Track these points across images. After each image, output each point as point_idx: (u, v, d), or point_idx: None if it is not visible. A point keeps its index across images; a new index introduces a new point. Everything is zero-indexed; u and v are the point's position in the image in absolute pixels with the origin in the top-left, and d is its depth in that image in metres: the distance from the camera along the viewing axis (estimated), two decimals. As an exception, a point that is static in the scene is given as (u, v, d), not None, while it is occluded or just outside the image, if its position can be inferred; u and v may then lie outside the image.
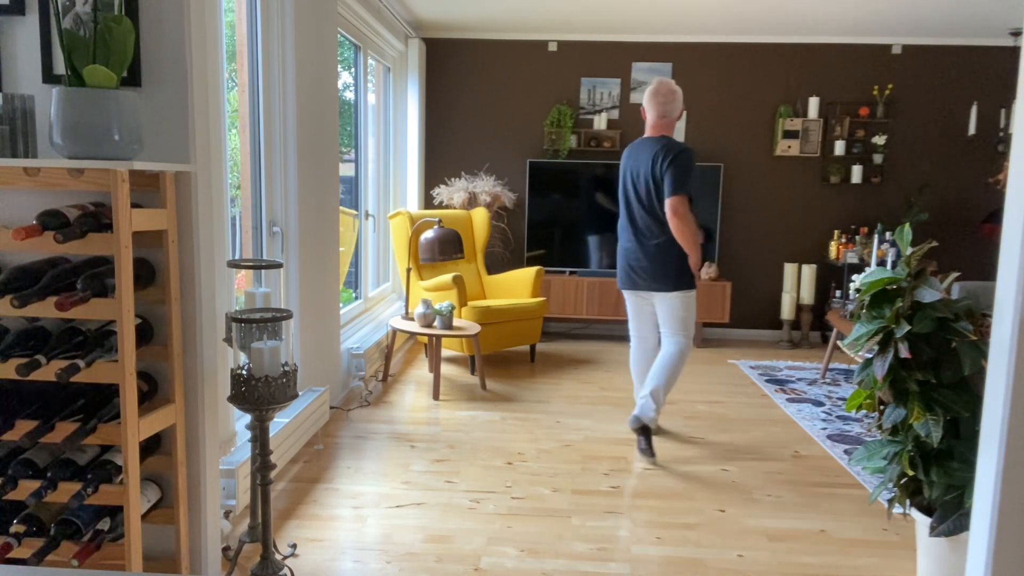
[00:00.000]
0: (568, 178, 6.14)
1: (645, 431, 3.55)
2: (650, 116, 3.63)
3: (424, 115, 6.21)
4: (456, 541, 2.67)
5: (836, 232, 6.10)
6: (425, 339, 5.61)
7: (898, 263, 2.26)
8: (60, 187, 1.83)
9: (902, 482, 2.28)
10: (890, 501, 2.32)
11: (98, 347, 1.87)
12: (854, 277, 2.38)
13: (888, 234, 5.92)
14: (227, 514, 2.63)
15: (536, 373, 5.09)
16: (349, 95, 5.25)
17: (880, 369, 2.17)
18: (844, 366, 5.48)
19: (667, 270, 3.57)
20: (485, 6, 5.29)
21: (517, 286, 5.53)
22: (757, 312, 6.39)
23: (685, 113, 3.55)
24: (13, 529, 1.94)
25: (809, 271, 6.00)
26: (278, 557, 2.51)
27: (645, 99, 3.65)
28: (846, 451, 3.69)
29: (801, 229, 6.27)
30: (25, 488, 1.87)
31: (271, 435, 2.99)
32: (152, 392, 2.07)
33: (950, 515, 2.12)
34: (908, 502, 2.29)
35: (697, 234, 3.52)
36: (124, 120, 1.82)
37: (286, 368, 2.06)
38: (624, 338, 6.36)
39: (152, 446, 2.10)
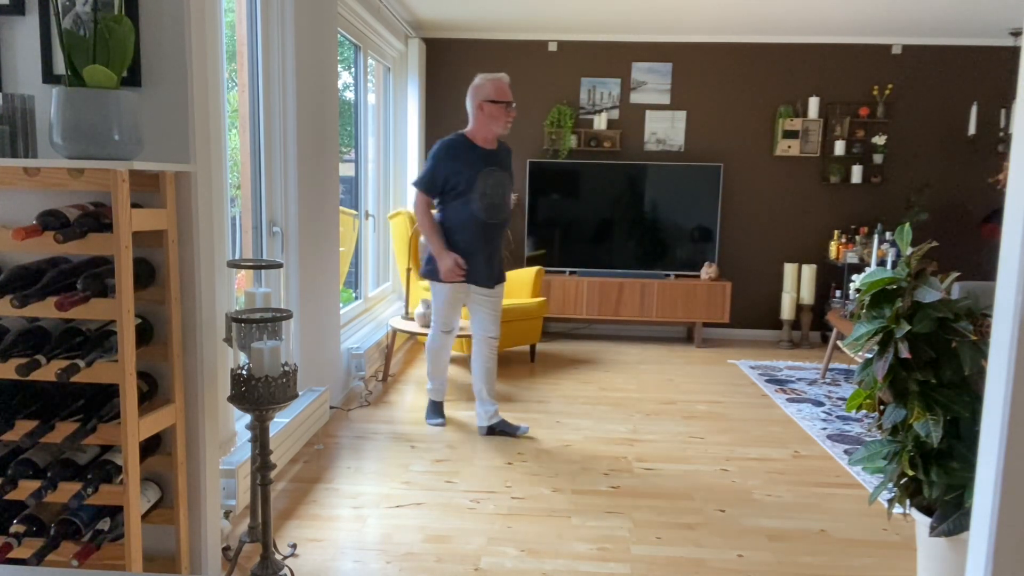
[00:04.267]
0: (568, 178, 6.14)
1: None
2: None
3: (424, 115, 6.21)
4: (456, 541, 2.67)
5: (836, 232, 6.10)
6: (425, 339, 5.61)
7: (898, 263, 2.26)
8: (60, 187, 1.83)
9: (902, 482, 2.28)
10: (890, 501, 2.32)
11: (98, 347, 1.87)
12: (854, 277, 2.38)
13: (888, 234, 5.92)
14: (227, 514, 2.63)
15: (536, 373, 5.08)
16: (349, 95, 5.25)
17: (880, 369, 2.17)
18: (844, 366, 5.48)
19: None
20: (485, 6, 5.29)
21: (517, 286, 5.53)
22: (757, 312, 6.39)
23: (484, 106, 3.68)
24: (13, 529, 1.94)
25: (809, 271, 6.00)
26: (278, 557, 2.51)
27: None
28: (846, 451, 3.69)
29: (801, 229, 6.27)
30: (25, 488, 1.87)
31: (271, 435, 2.99)
32: (152, 392, 2.07)
33: (950, 515, 2.12)
34: (908, 502, 2.28)
35: (429, 228, 3.66)
36: (124, 120, 1.82)
37: (286, 368, 2.06)
38: (624, 338, 6.37)
39: (152, 446, 2.10)
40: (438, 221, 3.69)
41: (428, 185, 3.64)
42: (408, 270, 4.96)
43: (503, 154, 3.72)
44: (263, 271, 3.35)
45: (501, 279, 3.81)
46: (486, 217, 3.63)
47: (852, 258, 5.87)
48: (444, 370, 3.97)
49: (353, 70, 5.20)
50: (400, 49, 5.83)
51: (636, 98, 6.19)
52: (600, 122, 6.19)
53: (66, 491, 1.88)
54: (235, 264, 2.33)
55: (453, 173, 3.59)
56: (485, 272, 3.70)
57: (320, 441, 3.65)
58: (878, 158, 6.05)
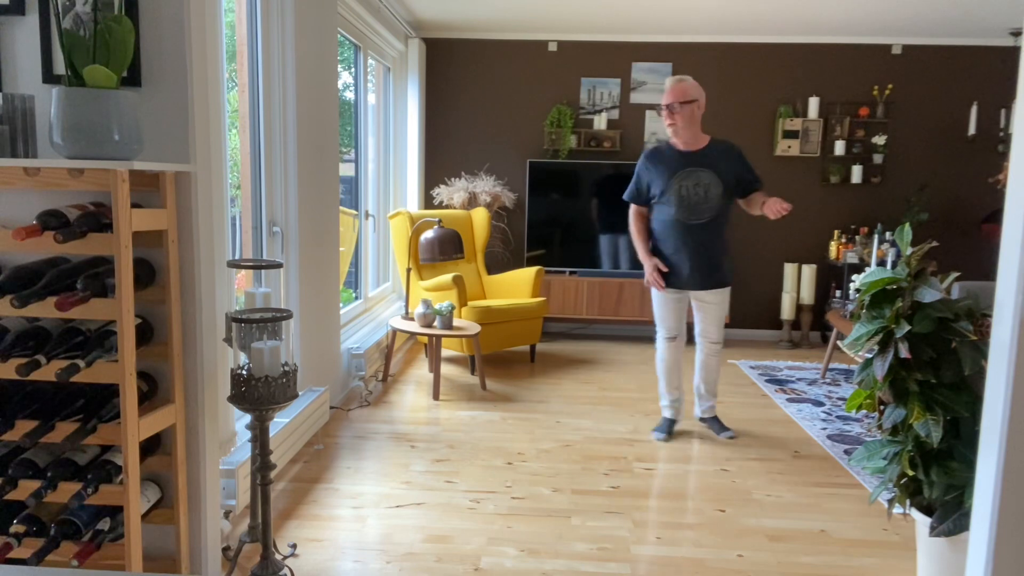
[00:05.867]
0: (568, 178, 6.14)
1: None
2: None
3: (424, 115, 6.21)
4: (456, 541, 2.67)
5: (836, 232, 6.10)
6: (425, 339, 5.61)
7: (898, 263, 2.26)
8: (60, 187, 1.83)
9: (902, 482, 2.28)
10: (890, 501, 2.32)
11: (98, 347, 1.87)
12: (854, 277, 2.38)
13: (888, 234, 5.92)
14: (227, 514, 2.63)
15: (536, 373, 5.09)
16: (349, 95, 5.25)
17: (880, 369, 2.17)
18: (844, 366, 5.48)
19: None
20: (485, 6, 5.29)
21: (517, 286, 5.53)
22: (757, 312, 6.39)
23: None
24: (13, 529, 1.94)
25: (809, 271, 6.00)
26: (278, 557, 2.51)
27: (703, 93, 3.70)
28: (846, 451, 3.69)
29: (801, 229, 6.27)
30: (25, 488, 1.87)
31: (271, 435, 2.99)
32: (152, 392, 2.07)
33: (950, 515, 2.12)
34: (908, 502, 2.29)
35: (635, 235, 3.81)
36: (124, 120, 1.82)
37: (286, 368, 2.06)
38: (624, 338, 6.36)
39: (152, 446, 2.10)
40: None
41: (633, 196, 3.80)
42: (408, 270, 4.96)
43: (712, 153, 3.62)
44: (263, 271, 3.35)
45: (718, 283, 3.67)
46: (684, 218, 3.60)
47: (852, 258, 5.87)
48: (678, 384, 3.85)
49: (353, 70, 5.20)
50: (400, 49, 5.83)
51: (636, 98, 6.18)
52: (600, 122, 6.19)
53: (66, 491, 1.88)
54: (235, 264, 2.33)
55: (651, 179, 3.69)
56: (692, 276, 3.64)
57: (320, 441, 3.65)
58: (878, 158, 6.05)
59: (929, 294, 2.13)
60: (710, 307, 3.73)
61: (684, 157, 3.64)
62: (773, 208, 3.41)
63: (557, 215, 6.18)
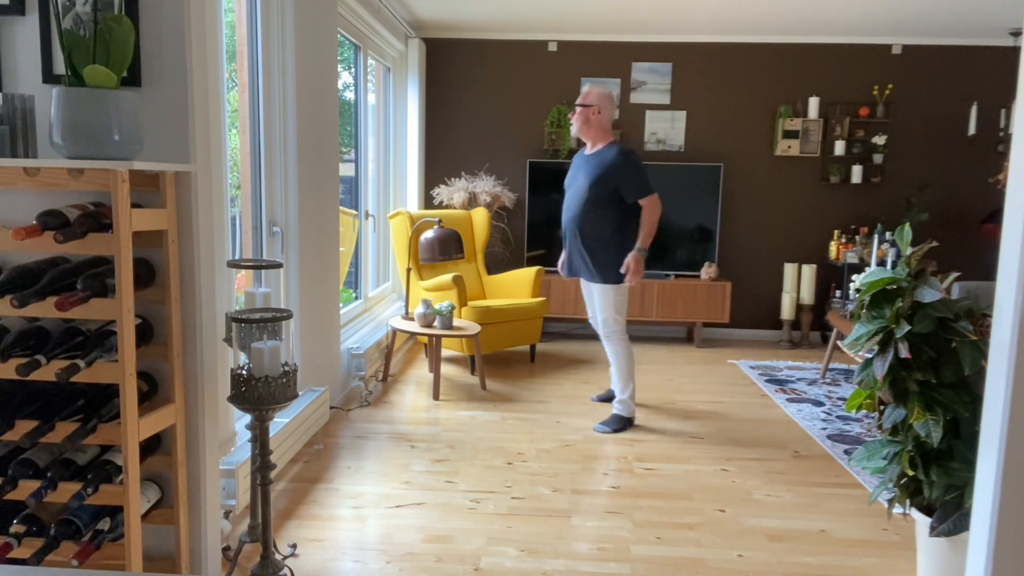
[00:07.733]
0: (568, 178, 6.14)
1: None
2: (609, 120, 3.91)
3: (424, 115, 6.21)
4: (456, 541, 2.67)
5: (836, 232, 6.10)
6: (425, 339, 5.61)
7: (898, 263, 2.26)
8: (60, 187, 1.83)
9: (902, 482, 2.28)
10: (890, 501, 2.32)
11: (98, 347, 1.87)
12: (854, 277, 2.38)
13: (888, 234, 5.92)
14: (227, 514, 2.63)
15: (536, 373, 5.08)
16: (349, 95, 5.25)
17: (880, 369, 2.17)
18: (844, 366, 5.48)
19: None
20: (485, 6, 5.29)
21: (517, 286, 5.53)
22: (757, 312, 6.39)
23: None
24: (13, 529, 1.94)
25: (809, 271, 6.00)
26: (278, 557, 2.51)
27: (607, 102, 3.86)
28: (846, 451, 3.69)
29: (801, 229, 6.26)
30: (25, 488, 1.87)
31: (271, 435, 2.99)
32: (152, 392, 2.07)
33: (950, 515, 2.12)
34: (908, 502, 2.29)
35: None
36: (124, 120, 1.82)
37: (286, 368, 2.06)
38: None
39: (152, 446, 2.10)
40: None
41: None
42: (408, 270, 4.96)
43: (594, 158, 3.84)
44: (263, 271, 3.35)
45: (591, 279, 3.92)
46: (565, 212, 3.97)
47: (852, 258, 5.87)
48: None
49: (353, 70, 5.20)
50: (400, 49, 5.83)
51: (636, 98, 6.18)
52: (600, 122, 6.18)
53: (66, 491, 1.88)
54: (235, 264, 2.33)
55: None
56: (567, 264, 4.05)
57: (320, 441, 3.65)
58: (878, 158, 6.05)
59: (929, 294, 2.13)
60: (594, 297, 4.00)
61: (581, 158, 3.95)
62: (630, 266, 3.80)
63: (557, 215, 6.18)
